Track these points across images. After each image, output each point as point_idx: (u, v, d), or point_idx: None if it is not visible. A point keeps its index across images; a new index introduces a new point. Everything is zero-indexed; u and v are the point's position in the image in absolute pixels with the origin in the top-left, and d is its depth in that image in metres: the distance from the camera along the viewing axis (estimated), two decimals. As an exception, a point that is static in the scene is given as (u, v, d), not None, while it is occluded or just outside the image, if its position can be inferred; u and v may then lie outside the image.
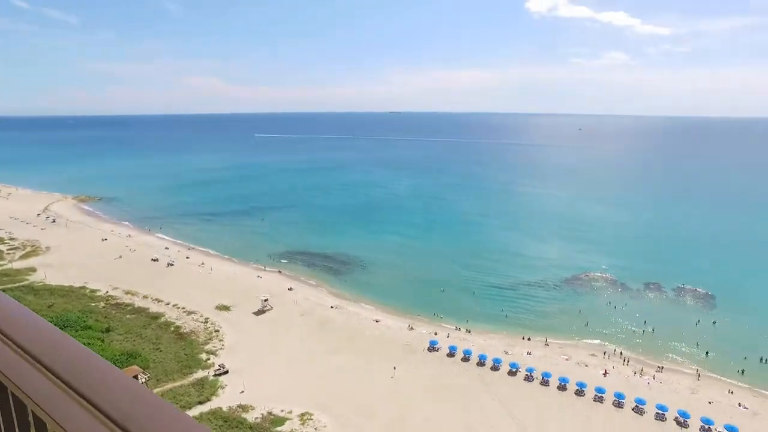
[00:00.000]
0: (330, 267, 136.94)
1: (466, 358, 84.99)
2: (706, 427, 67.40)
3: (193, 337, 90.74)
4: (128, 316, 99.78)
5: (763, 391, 79.12)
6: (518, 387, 77.18)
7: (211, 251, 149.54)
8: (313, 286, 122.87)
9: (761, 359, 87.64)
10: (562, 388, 76.77)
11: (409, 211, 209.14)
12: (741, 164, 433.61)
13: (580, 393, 75.20)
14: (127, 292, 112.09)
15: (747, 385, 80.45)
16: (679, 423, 68.46)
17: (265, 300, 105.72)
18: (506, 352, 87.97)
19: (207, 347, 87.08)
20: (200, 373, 78.21)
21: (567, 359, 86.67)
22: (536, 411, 70.48)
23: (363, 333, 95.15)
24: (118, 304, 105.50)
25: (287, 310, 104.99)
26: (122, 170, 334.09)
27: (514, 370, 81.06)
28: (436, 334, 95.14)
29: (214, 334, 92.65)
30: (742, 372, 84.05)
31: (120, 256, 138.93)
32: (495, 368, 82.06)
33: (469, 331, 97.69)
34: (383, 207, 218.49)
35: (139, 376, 72.70)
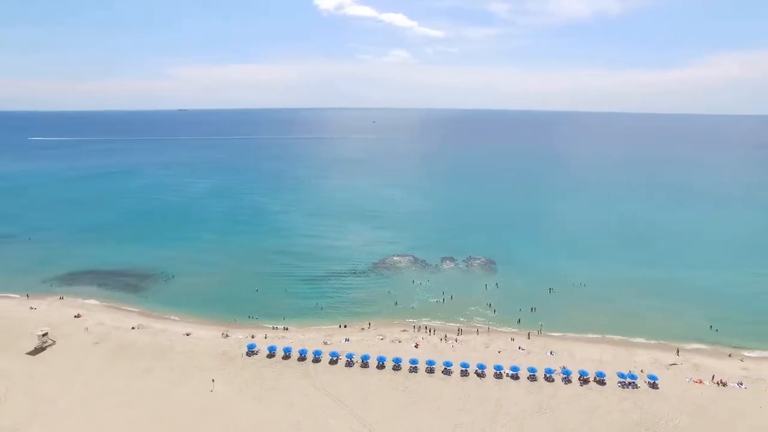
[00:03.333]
0: (127, 284, 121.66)
1: (286, 356, 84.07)
2: (498, 372, 78.97)
3: (-61, 399, 71.44)
4: None
5: (533, 332, 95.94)
6: (341, 374, 79.33)
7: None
8: (108, 308, 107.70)
9: (531, 309, 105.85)
10: (381, 366, 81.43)
11: (212, 213, 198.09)
12: (508, 150, 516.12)
13: (397, 368, 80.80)
14: None
15: (523, 331, 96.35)
16: (478, 375, 78.74)
17: (44, 334, 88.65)
18: (325, 343, 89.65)
19: (-37, 407, 69.49)
20: (-46, 443, 62.14)
21: (382, 339, 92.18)
22: (360, 393, 73.40)
23: (173, 350, 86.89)
24: None
25: (76, 341, 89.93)
26: None
27: (334, 358, 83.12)
28: (253, 337, 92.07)
29: (-28, 388, 74.33)
30: (519, 321, 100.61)
31: None
32: (316, 360, 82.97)
33: (287, 329, 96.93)
34: (182, 212, 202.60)
35: None
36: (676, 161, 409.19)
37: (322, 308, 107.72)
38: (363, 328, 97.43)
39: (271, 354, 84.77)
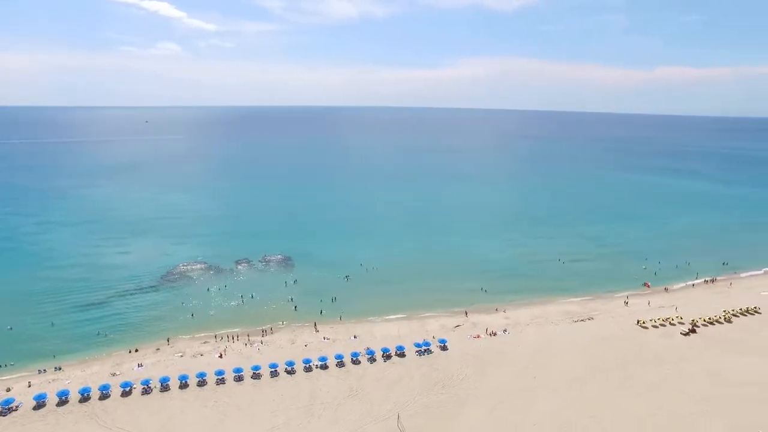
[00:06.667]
0: None
1: (63, 402, 70.46)
2: (307, 366, 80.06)
3: None
4: None
5: (336, 320, 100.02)
6: (137, 404, 70.05)
7: None
8: None
9: (332, 299, 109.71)
10: (184, 386, 74.62)
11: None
12: (289, 146, 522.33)
13: (202, 383, 75.09)
14: None
15: (326, 321, 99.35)
16: (288, 372, 78.50)
17: None
18: (114, 374, 78.21)
19: None
20: None
21: (182, 356, 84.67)
22: (162, 420, 66.03)
23: None
24: None
25: None
26: None
27: (127, 389, 72.99)
28: (8, 390, 74.36)
29: None
30: (321, 312, 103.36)
31: None
32: (105, 396, 71.61)
33: (60, 368, 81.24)
34: None
35: None
36: (438, 149, 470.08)
37: (105, 335, 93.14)
38: (158, 349, 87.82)
39: (40, 404, 69.90)
